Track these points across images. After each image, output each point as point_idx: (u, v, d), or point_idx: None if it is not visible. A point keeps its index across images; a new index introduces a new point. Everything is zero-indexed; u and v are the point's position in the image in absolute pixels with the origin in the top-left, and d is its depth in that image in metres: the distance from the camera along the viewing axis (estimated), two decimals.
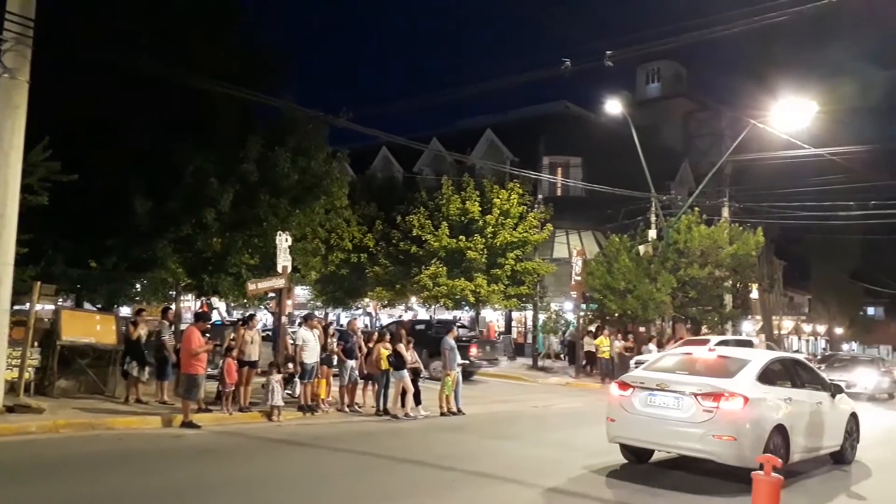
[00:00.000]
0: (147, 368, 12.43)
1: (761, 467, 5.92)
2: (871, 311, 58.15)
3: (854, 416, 10.29)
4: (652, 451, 9.05)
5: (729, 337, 20.20)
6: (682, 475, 8.64)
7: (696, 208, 25.57)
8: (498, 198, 25.63)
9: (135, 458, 8.71)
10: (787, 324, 46.68)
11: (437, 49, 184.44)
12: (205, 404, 11.75)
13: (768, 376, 8.62)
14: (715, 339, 19.19)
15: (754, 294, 32.76)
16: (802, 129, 21.25)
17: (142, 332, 12.65)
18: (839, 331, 51.64)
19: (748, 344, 18.73)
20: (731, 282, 26.01)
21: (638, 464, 9.03)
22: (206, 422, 11.09)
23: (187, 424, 10.66)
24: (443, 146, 31.64)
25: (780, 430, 8.17)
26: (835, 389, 9.93)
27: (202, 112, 14.11)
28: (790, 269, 47.01)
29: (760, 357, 9.21)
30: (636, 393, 8.50)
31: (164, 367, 12.37)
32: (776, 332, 38.06)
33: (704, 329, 26.29)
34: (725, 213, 27.45)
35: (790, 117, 20.38)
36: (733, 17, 9.93)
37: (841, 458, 9.93)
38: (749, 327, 37.05)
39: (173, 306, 15.29)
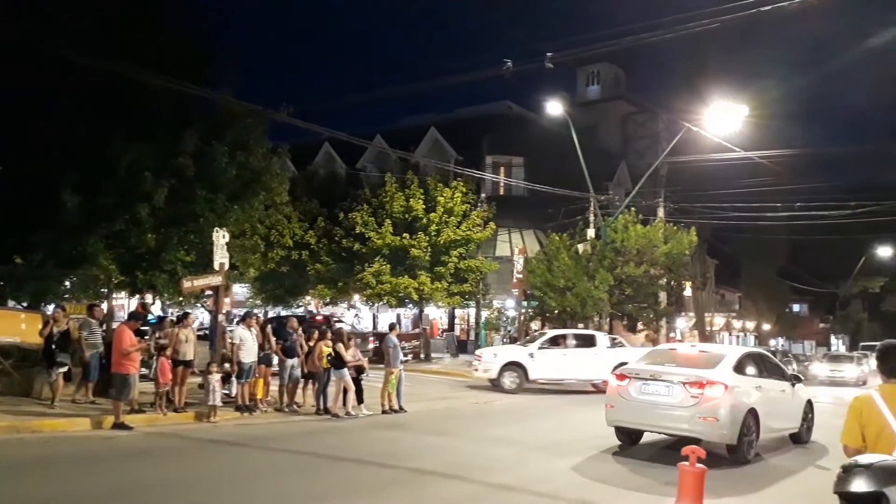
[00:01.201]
0: (57, 368, 11.72)
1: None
2: (796, 307, 60.88)
3: (810, 402, 11.44)
4: (642, 433, 9.99)
5: (567, 331, 20.59)
6: (619, 470, 8.88)
7: (633, 208, 26.25)
8: (442, 196, 25.69)
9: (62, 461, 8.39)
10: (719, 320, 48.50)
11: (379, 48, 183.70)
12: (139, 405, 11.40)
13: (742, 367, 9.69)
14: (550, 333, 19.95)
15: (688, 292, 33.92)
16: (734, 132, 22.08)
17: (54, 330, 12.13)
18: (767, 327, 53.86)
19: (590, 338, 19.15)
20: (665, 280, 26.81)
21: (630, 445, 9.97)
22: (139, 423, 10.77)
23: (119, 426, 10.32)
24: (387, 143, 31.45)
25: (753, 413, 9.29)
26: (794, 379, 11.07)
27: (136, 103, 13.63)
28: (722, 267, 48.88)
29: (735, 351, 10.49)
30: (632, 382, 9.40)
31: (87, 367, 11.94)
32: (708, 328, 39.42)
33: (640, 325, 27.11)
34: (661, 213, 28.25)
35: (722, 121, 21.16)
36: (669, 22, 10.24)
37: (798, 438, 11.07)
38: (682, 324, 38.36)
39: (104, 304, 14.76)
